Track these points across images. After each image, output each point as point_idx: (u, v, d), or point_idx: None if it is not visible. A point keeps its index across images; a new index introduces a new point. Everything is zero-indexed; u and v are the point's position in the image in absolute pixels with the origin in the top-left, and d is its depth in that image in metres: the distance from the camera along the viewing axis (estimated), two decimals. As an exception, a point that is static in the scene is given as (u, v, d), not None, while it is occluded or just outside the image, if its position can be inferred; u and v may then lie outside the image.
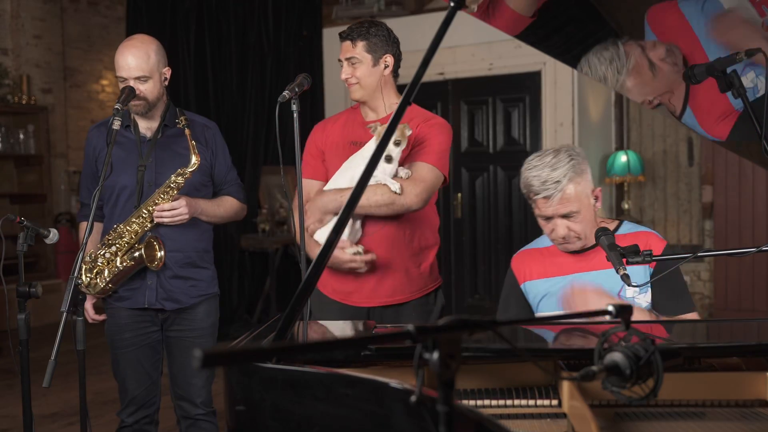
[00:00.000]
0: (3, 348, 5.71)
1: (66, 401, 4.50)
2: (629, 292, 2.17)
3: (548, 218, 2.17)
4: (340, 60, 2.70)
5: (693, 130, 2.45)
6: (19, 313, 2.36)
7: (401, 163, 2.60)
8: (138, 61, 2.64)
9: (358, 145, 2.66)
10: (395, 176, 2.58)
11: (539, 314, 2.27)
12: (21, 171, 7.26)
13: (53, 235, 2.51)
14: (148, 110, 2.72)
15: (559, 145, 2.45)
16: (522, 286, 2.31)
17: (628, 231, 2.25)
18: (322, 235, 2.60)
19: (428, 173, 2.61)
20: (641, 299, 2.18)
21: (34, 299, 2.36)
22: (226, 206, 2.87)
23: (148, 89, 2.67)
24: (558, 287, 2.24)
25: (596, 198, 2.19)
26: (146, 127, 2.78)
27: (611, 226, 2.25)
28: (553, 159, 2.12)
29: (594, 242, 2.21)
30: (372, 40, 2.63)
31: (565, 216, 2.14)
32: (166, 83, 2.77)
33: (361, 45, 2.62)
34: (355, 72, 2.64)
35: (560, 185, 2.10)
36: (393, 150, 2.50)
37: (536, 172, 2.13)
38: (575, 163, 2.12)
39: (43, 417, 4.24)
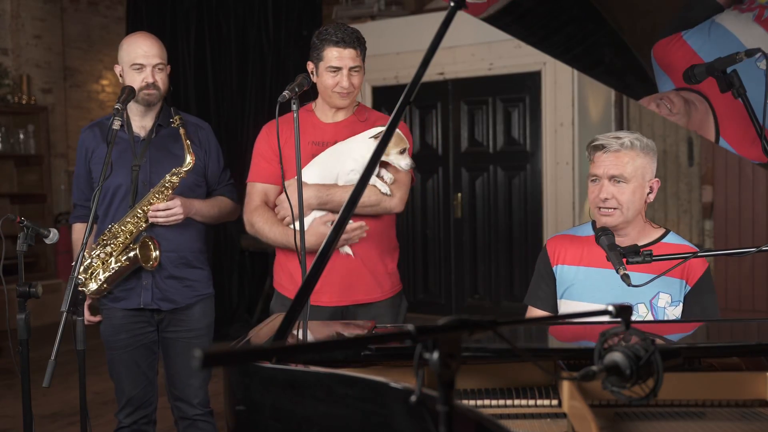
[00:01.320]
0: (3, 348, 5.71)
1: (66, 401, 4.50)
2: (661, 302, 2.17)
3: (597, 178, 2.21)
4: (337, 67, 2.53)
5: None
6: (19, 313, 2.35)
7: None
8: (155, 48, 2.71)
9: (320, 144, 2.63)
10: (378, 176, 2.58)
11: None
12: (21, 171, 7.26)
13: (53, 235, 2.51)
14: (158, 100, 2.74)
15: None
16: (554, 268, 2.32)
17: (673, 242, 2.24)
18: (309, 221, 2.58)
19: (406, 176, 2.64)
20: (671, 312, 2.17)
21: (34, 299, 2.36)
22: (220, 206, 2.88)
23: (162, 78, 2.72)
24: (584, 278, 2.24)
25: (651, 189, 2.21)
26: (140, 126, 2.78)
27: (657, 232, 2.26)
28: (626, 132, 2.25)
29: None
30: (365, 47, 2.60)
31: (613, 178, 2.17)
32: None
33: (360, 53, 2.57)
34: (355, 80, 2.57)
35: (620, 141, 2.18)
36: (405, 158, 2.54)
37: (606, 134, 2.25)
38: (642, 144, 2.20)
39: (43, 417, 4.24)
